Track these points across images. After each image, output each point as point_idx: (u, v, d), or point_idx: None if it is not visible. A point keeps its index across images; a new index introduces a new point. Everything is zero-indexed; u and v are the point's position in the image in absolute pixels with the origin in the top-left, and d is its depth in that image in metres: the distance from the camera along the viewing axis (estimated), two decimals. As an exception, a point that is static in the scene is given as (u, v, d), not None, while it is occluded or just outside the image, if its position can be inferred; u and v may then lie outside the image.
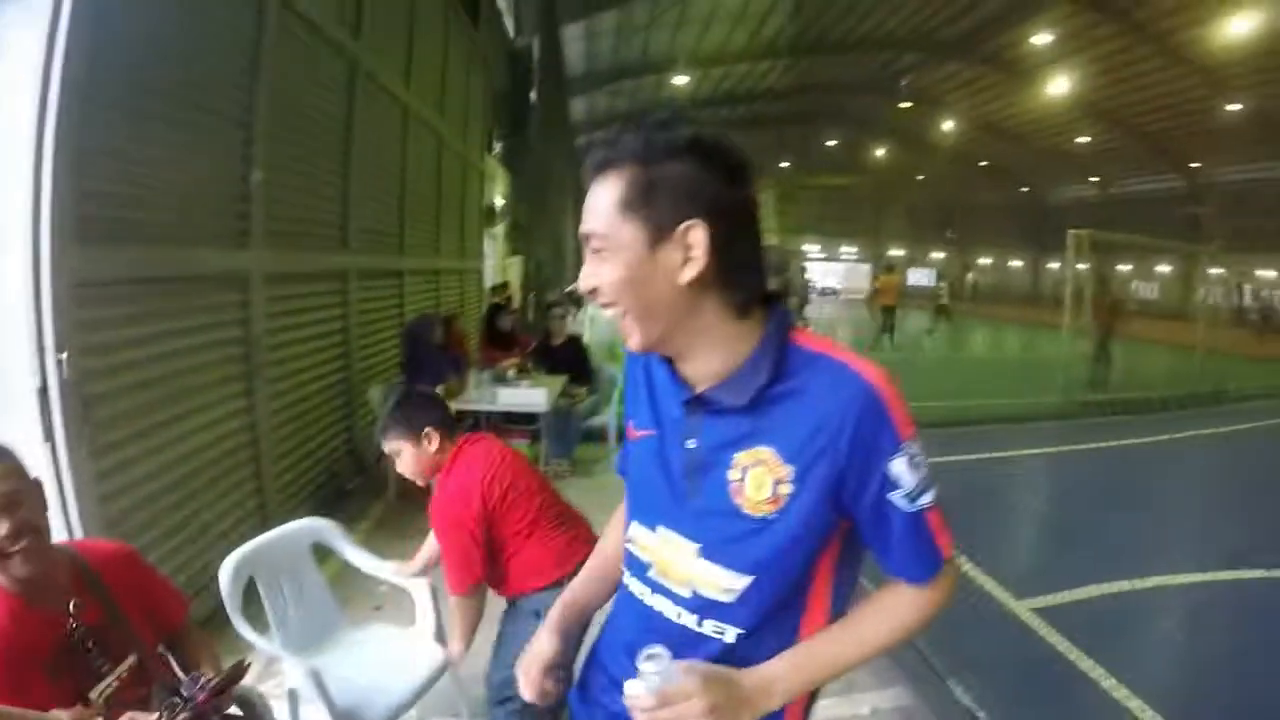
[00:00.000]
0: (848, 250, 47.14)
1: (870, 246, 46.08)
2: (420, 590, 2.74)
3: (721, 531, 1.06)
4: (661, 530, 1.13)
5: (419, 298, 7.86)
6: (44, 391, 2.51)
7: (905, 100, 32.94)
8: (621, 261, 1.00)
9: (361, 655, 2.61)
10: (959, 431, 8.14)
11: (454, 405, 5.19)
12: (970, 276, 43.96)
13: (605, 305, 1.03)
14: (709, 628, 1.09)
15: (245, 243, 4.09)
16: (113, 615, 1.64)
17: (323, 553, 2.79)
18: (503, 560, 2.40)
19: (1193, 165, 31.75)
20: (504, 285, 11.25)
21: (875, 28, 27.63)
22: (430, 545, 2.66)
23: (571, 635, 1.32)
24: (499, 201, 13.03)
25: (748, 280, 1.03)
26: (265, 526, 2.69)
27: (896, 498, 1.02)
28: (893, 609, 1.11)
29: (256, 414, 4.15)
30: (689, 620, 1.10)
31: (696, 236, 0.98)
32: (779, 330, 1.05)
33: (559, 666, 1.26)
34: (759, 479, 1.03)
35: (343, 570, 2.98)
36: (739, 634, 1.08)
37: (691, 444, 1.09)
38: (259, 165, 4.16)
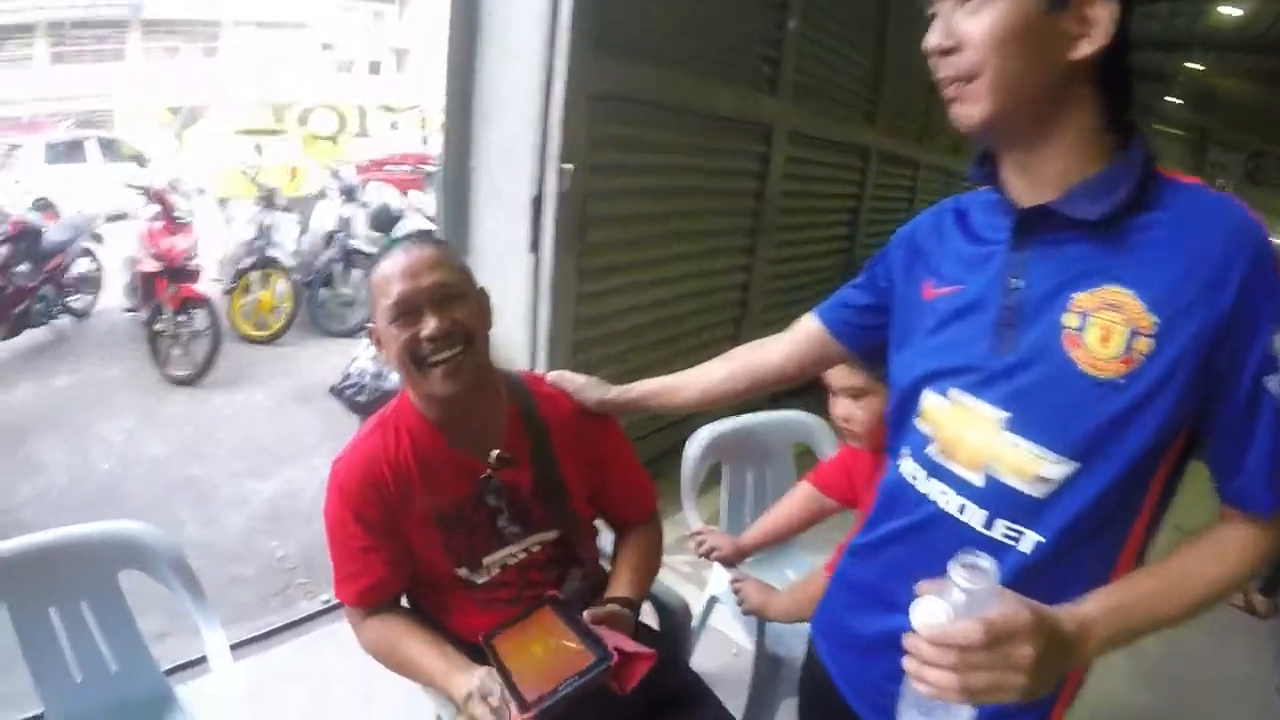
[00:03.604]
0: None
1: None
2: None
3: (1043, 396, 0.70)
4: (955, 395, 0.75)
5: (930, 195, 6.64)
6: (538, 201, 2.21)
7: None
8: (1005, 11, 0.66)
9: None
10: None
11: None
12: None
13: (957, 72, 0.68)
14: (999, 530, 0.72)
15: (772, 92, 3.48)
16: (546, 478, 1.15)
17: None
18: None
19: None
20: None
21: None
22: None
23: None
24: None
25: (1128, 87, 0.71)
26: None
27: (1275, 385, 0.65)
28: (1227, 545, 0.70)
29: (753, 273, 3.62)
30: (974, 517, 0.74)
31: (1103, 12, 0.66)
32: (1141, 151, 0.70)
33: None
34: (1108, 328, 0.67)
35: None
36: (1039, 544, 0.71)
37: (1017, 283, 0.73)
38: (794, 14, 3.48)
